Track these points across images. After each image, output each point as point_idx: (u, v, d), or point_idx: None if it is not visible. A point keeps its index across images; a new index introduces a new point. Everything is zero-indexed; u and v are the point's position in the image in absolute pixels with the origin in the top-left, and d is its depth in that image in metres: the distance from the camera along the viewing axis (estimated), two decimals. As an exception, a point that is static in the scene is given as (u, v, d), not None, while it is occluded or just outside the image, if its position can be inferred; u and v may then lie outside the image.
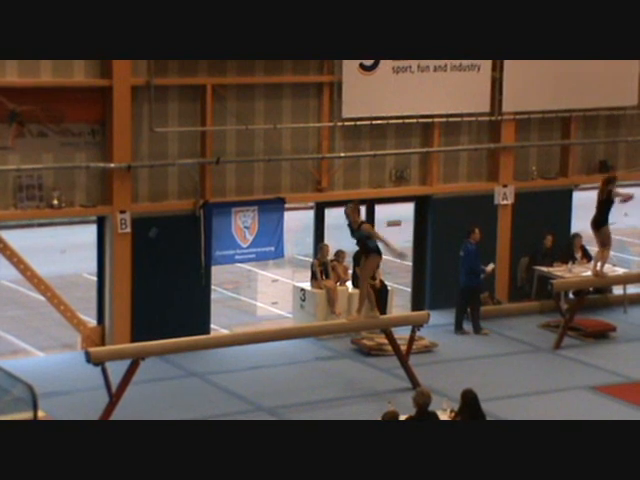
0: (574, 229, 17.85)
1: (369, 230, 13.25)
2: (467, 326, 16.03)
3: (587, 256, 17.44)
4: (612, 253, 16.19)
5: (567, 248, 17.32)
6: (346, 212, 13.24)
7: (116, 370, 12.16)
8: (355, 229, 13.21)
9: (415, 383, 13.52)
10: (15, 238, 14.81)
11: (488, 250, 17.09)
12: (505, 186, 17.21)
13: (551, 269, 16.83)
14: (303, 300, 15.93)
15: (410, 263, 17.02)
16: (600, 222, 15.52)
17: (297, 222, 17.94)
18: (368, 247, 13.23)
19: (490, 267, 16.25)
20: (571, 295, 16.84)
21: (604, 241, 15.62)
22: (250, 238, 15.62)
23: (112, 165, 14.44)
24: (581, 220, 18.49)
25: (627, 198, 15.78)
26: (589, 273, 16.38)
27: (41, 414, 10.12)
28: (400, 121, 16.20)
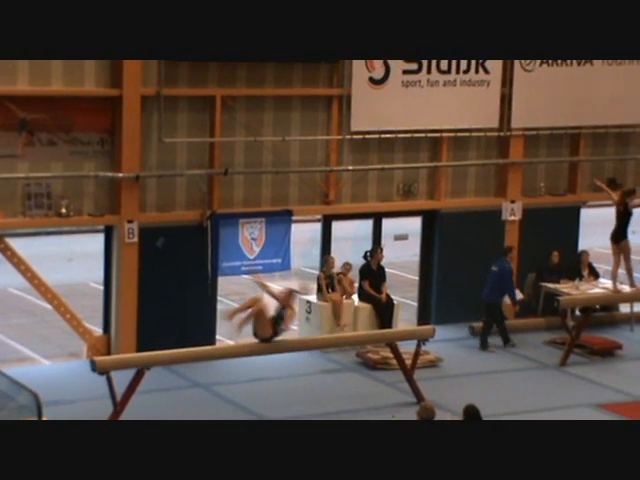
0: (581, 246, 17.83)
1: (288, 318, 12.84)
2: (492, 340, 15.93)
3: (594, 273, 17.41)
4: (620, 270, 16.15)
5: (574, 265, 17.29)
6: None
7: (121, 379, 12.16)
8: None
9: (419, 397, 13.49)
10: (23, 246, 14.84)
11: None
12: (513, 202, 17.20)
13: (558, 286, 16.80)
14: (309, 312, 15.93)
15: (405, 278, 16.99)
16: (619, 236, 15.53)
17: (304, 234, 17.95)
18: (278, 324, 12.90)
19: (520, 296, 16.19)
20: (578, 312, 16.80)
21: (625, 255, 15.62)
22: (257, 250, 15.64)
23: (120, 175, 14.48)
24: (588, 237, 18.48)
25: None
26: (596, 290, 16.34)
27: (45, 422, 10.11)
28: (409, 135, 16.22)
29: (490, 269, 15.96)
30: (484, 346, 15.89)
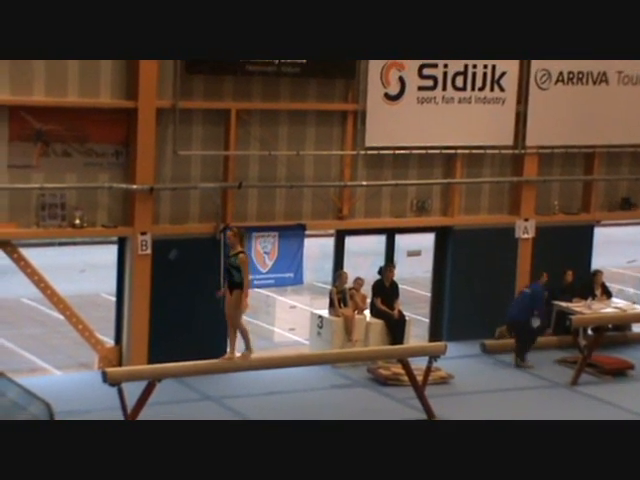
0: (594, 265, 17.78)
1: (242, 264, 12.29)
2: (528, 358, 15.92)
3: (607, 293, 17.35)
4: (632, 290, 16.10)
5: (588, 284, 17.23)
6: (227, 234, 12.57)
7: (132, 391, 12.16)
8: (230, 255, 12.46)
9: (430, 414, 13.46)
10: (36, 256, 14.88)
11: (507, 284, 17.05)
12: (526, 220, 17.17)
13: (570, 305, 16.75)
14: (320, 327, 15.91)
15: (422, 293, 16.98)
16: None
17: (316, 249, 17.96)
18: (233, 280, 12.36)
19: (537, 323, 16.16)
20: (590, 331, 16.74)
21: None
22: (270, 263, 15.64)
23: (135, 186, 14.51)
24: (602, 256, 18.43)
25: None
26: (609, 310, 16.26)
27: (56, 432, 10.12)
28: (423, 151, 16.22)
29: (523, 290, 16.08)
30: (522, 361, 15.81)
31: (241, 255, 12.38)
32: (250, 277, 15.50)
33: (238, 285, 12.39)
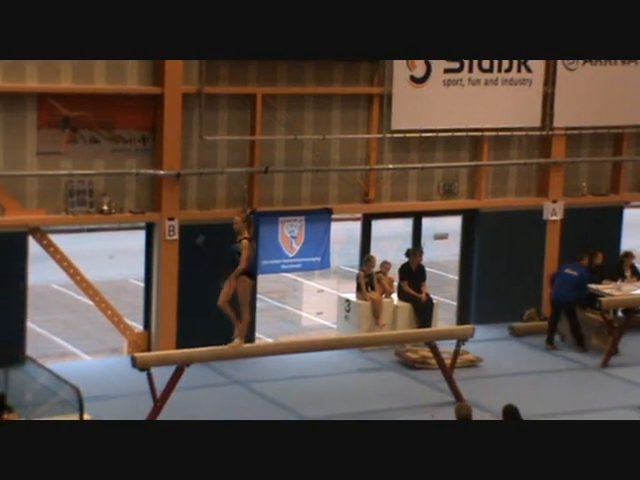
0: (624, 247, 17.65)
1: (243, 248, 12.14)
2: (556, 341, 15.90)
3: (637, 274, 17.23)
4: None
5: (617, 266, 17.13)
6: (235, 220, 12.35)
7: (161, 376, 12.24)
8: (237, 240, 12.29)
9: (458, 397, 13.45)
10: (65, 242, 14.98)
11: (535, 266, 16.98)
12: (554, 202, 17.07)
13: (600, 286, 16.65)
14: (348, 311, 15.92)
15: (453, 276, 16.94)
16: None
17: (343, 233, 17.95)
18: (237, 265, 12.19)
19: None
20: (620, 313, 16.65)
21: None
22: (297, 248, 15.66)
23: (162, 172, 14.56)
24: (631, 238, 18.29)
25: None
26: (639, 292, 16.16)
27: (87, 417, 10.23)
28: (449, 134, 16.15)
29: (564, 271, 15.93)
30: (580, 345, 15.78)
31: (244, 241, 12.25)
32: (276, 261, 15.65)
33: (243, 271, 12.28)
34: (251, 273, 12.46)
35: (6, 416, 9.96)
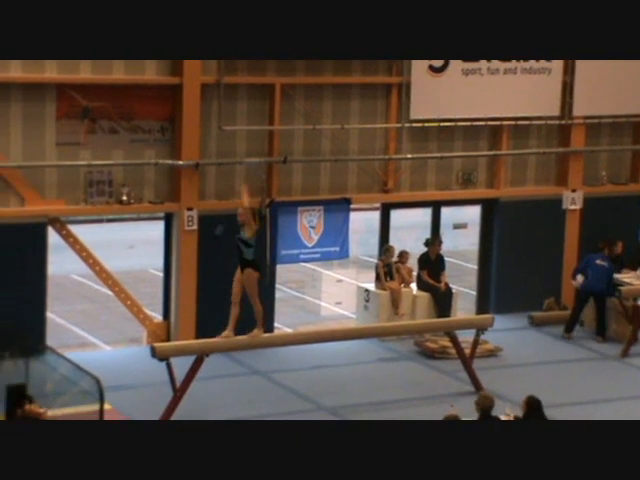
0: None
1: (249, 239, 12.13)
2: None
3: (656, 263, 17.16)
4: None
5: (637, 255, 17.05)
6: (239, 212, 12.24)
7: (180, 366, 12.28)
8: (243, 231, 12.21)
9: (478, 387, 13.44)
10: (84, 233, 15.04)
11: (554, 255, 16.93)
12: (574, 191, 17.00)
13: (619, 275, 16.58)
14: (367, 301, 15.92)
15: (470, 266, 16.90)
16: None
17: (361, 222, 17.93)
18: (243, 257, 12.17)
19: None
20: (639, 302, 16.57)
21: None
22: (315, 238, 15.66)
23: (180, 162, 14.58)
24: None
25: None
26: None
27: (107, 407, 10.29)
28: (468, 123, 16.10)
29: (595, 262, 15.83)
30: (601, 335, 15.76)
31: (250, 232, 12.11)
32: (295, 251, 15.65)
33: (248, 262, 12.24)
34: (257, 265, 12.38)
35: (27, 406, 10.02)
